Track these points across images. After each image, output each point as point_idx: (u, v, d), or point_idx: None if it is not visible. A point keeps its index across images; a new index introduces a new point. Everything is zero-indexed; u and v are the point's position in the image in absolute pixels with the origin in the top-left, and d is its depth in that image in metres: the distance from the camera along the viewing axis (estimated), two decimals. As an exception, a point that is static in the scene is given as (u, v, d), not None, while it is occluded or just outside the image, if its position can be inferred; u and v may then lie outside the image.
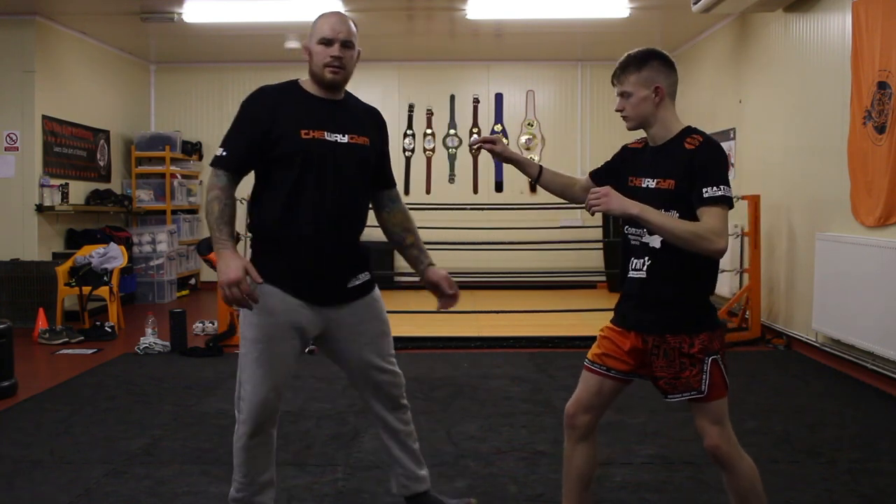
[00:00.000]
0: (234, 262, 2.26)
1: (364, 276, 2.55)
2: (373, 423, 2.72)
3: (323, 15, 2.45)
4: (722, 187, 2.14)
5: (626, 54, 2.32)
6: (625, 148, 2.47)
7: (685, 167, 2.20)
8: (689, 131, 2.28)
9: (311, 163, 2.38)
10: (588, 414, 2.37)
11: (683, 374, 2.22)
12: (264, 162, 2.42)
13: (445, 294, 2.64)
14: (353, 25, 2.47)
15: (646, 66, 2.27)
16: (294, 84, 2.51)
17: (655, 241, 2.24)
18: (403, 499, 2.76)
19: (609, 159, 2.52)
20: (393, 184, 2.71)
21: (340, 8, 7.04)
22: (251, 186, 2.54)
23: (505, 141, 9.65)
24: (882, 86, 4.73)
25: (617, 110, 2.35)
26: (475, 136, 2.43)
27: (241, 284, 2.24)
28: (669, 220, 2.15)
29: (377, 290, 2.63)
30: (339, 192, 2.42)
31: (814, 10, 5.76)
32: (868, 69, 4.89)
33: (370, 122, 2.59)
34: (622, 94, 2.30)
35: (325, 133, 2.42)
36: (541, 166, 2.55)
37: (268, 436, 2.50)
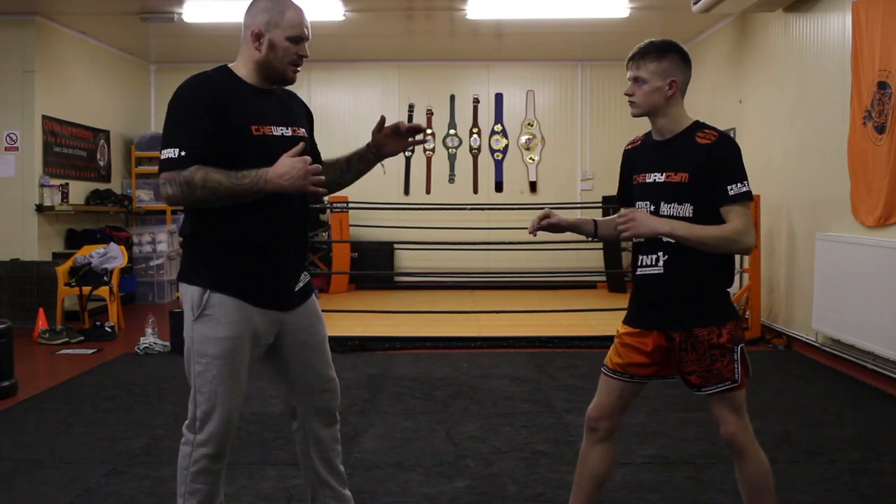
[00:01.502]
0: (282, 162, 2.08)
1: (305, 277, 2.41)
2: (301, 441, 2.48)
3: (289, 5, 2.24)
4: (745, 183, 2.17)
5: (647, 41, 2.29)
6: (625, 152, 2.48)
7: (700, 161, 2.19)
8: (700, 126, 2.27)
9: (262, 162, 2.13)
10: (609, 419, 2.37)
11: (715, 366, 2.22)
12: (214, 157, 2.14)
13: (399, 129, 2.40)
14: None
15: (666, 57, 2.26)
16: (226, 70, 2.29)
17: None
18: None
19: (620, 175, 2.49)
20: (321, 160, 2.49)
21: (340, 8, 7.05)
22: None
23: (505, 141, 9.69)
24: (882, 86, 4.73)
25: (626, 94, 2.31)
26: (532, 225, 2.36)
27: (303, 159, 2.09)
28: (698, 230, 2.17)
29: (315, 292, 2.50)
30: (289, 197, 2.22)
31: (814, 10, 5.76)
32: (868, 69, 4.89)
33: (297, 108, 2.41)
34: (635, 80, 2.27)
35: (273, 128, 2.24)
36: (595, 220, 2.50)
37: (226, 457, 2.31)
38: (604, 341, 5.92)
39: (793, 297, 6.04)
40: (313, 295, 2.46)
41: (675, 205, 2.22)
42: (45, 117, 7.30)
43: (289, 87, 2.41)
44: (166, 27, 7.65)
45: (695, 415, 4.11)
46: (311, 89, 9.65)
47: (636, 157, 2.40)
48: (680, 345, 2.25)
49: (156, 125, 9.75)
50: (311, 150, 2.43)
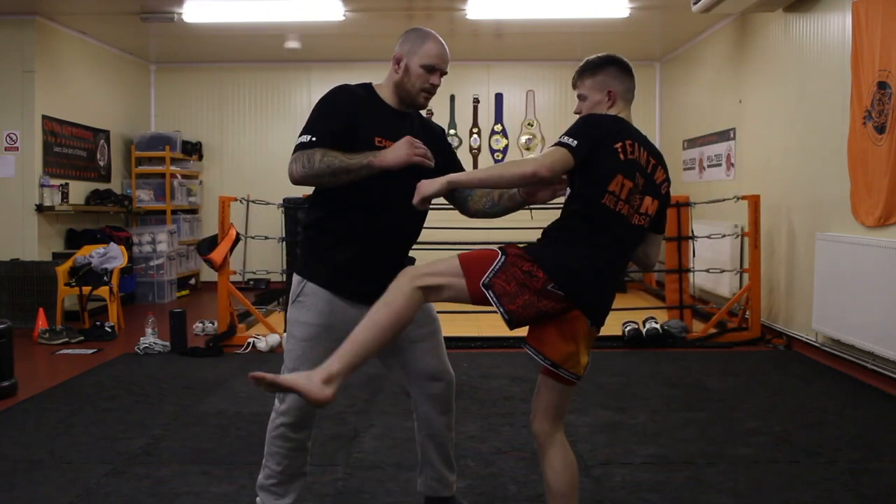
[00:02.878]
0: (399, 144, 2.27)
1: None
2: (417, 426, 2.70)
3: (431, 37, 2.47)
4: (565, 137, 2.18)
5: (585, 59, 2.41)
6: None
7: None
8: None
9: (381, 175, 2.34)
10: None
11: None
12: None
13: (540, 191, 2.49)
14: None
15: (601, 71, 2.35)
16: (370, 88, 2.53)
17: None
18: (424, 498, 2.75)
19: None
20: None
21: (340, 8, 7.05)
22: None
23: (505, 141, 9.70)
24: (882, 86, 4.73)
25: (575, 112, 2.40)
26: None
27: (413, 142, 2.26)
28: (483, 168, 2.26)
29: None
30: (399, 204, 2.40)
31: (814, 10, 5.76)
32: (868, 69, 4.89)
33: (434, 138, 2.59)
34: (580, 97, 2.39)
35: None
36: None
37: (310, 430, 2.56)
38: (603, 341, 5.93)
39: (793, 297, 6.04)
40: None
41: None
42: (45, 117, 7.30)
43: (424, 117, 2.67)
44: (166, 27, 7.65)
45: (695, 415, 4.11)
46: (311, 89, 9.66)
47: None
48: None
49: (155, 125, 9.76)
50: (442, 170, 2.51)
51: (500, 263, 2.11)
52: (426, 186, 2.23)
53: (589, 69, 2.38)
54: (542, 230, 2.27)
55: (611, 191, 2.17)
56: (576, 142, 2.15)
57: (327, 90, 2.50)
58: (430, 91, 2.48)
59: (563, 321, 2.14)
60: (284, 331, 2.61)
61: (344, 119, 2.40)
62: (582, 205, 2.20)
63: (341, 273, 2.46)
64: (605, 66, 2.36)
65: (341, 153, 2.30)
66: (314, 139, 2.36)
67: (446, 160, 2.60)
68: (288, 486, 2.55)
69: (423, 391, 2.62)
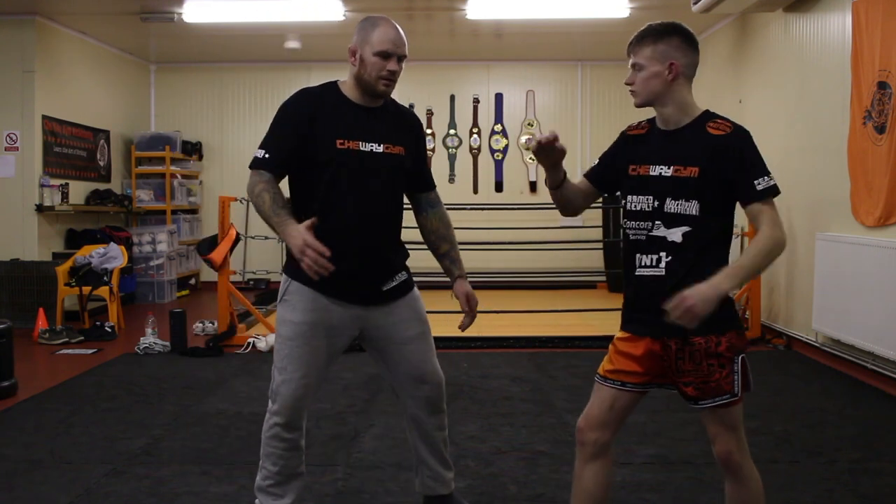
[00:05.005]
0: (295, 231, 2.26)
1: (400, 277, 2.56)
2: (408, 429, 2.70)
3: (381, 23, 2.42)
4: (770, 177, 2.05)
5: (647, 24, 2.16)
6: (624, 134, 2.27)
7: (712, 154, 2.04)
8: (711, 115, 2.12)
9: (343, 172, 2.40)
10: (599, 431, 2.17)
11: (713, 378, 2.04)
12: (299, 165, 2.45)
13: (464, 310, 2.61)
14: (404, 36, 2.48)
15: (663, 40, 2.10)
16: (333, 87, 2.50)
17: (675, 235, 2.06)
18: (423, 497, 2.76)
19: (606, 151, 2.32)
20: (431, 186, 2.69)
21: (340, 8, 7.05)
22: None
23: (505, 141, 9.67)
24: (882, 86, 4.73)
25: (626, 83, 2.16)
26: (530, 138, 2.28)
27: (313, 245, 2.21)
28: (749, 263, 2.02)
29: (416, 290, 2.62)
30: (369, 200, 2.44)
31: (814, 10, 5.76)
32: (868, 69, 4.89)
33: (406, 128, 2.59)
34: (634, 66, 2.13)
35: (360, 143, 2.43)
36: (565, 175, 2.27)
37: (301, 430, 2.55)
38: (604, 341, 5.89)
39: (793, 297, 6.04)
40: (411, 293, 2.59)
41: (683, 201, 2.05)
42: (45, 117, 7.30)
43: (402, 106, 2.63)
44: (166, 27, 7.65)
45: (695, 415, 4.09)
46: (311, 89, 9.65)
47: (638, 146, 2.19)
48: (676, 353, 2.07)
49: (155, 125, 9.75)
50: (414, 166, 2.58)
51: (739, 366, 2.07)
52: (700, 307, 1.89)
53: (650, 35, 2.11)
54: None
55: None
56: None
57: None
58: (389, 78, 2.42)
59: None
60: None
61: (300, 128, 2.40)
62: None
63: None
64: (669, 34, 2.11)
65: (272, 199, 2.33)
66: (266, 155, 2.40)
67: (416, 157, 2.59)
68: (286, 487, 2.55)
69: (411, 393, 2.61)
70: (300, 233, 2.24)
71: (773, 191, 2.05)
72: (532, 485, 3.19)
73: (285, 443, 2.51)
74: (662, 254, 2.08)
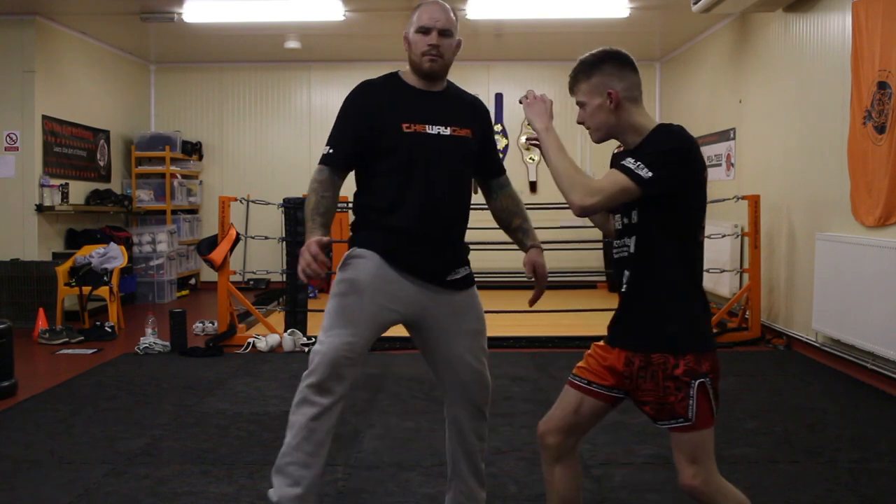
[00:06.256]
0: (314, 237, 2.30)
1: (463, 271, 2.53)
2: (447, 428, 2.58)
3: (423, 4, 2.46)
4: (637, 163, 1.94)
5: (578, 60, 2.12)
6: (613, 155, 2.25)
7: None
8: (662, 126, 2.06)
9: (413, 156, 2.39)
10: (560, 435, 2.13)
11: (668, 400, 1.99)
12: (367, 154, 2.44)
13: (529, 278, 2.57)
14: (452, 14, 2.46)
15: (596, 72, 2.07)
16: (395, 76, 2.52)
17: (630, 244, 2.08)
18: None
19: None
20: (501, 171, 2.68)
21: (340, 8, 7.05)
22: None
23: (505, 141, 9.67)
24: (882, 86, 4.73)
25: (578, 122, 2.16)
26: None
27: (311, 248, 2.25)
28: (561, 155, 2.02)
29: (475, 288, 2.58)
30: (440, 184, 2.42)
31: (814, 10, 5.76)
32: (868, 69, 4.89)
33: (472, 112, 2.56)
34: (579, 104, 2.12)
35: (427, 126, 2.42)
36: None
37: (334, 399, 2.33)
38: (604, 341, 5.93)
39: (793, 297, 6.04)
40: (472, 288, 2.56)
41: (627, 213, 2.07)
42: (45, 117, 7.30)
43: (468, 93, 2.61)
44: (166, 27, 7.65)
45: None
46: (311, 89, 9.65)
47: (615, 162, 2.17)
48: (638, 370, 2.04)
49: (155, 125, 9.76)
50: (481, 149, 2.57)
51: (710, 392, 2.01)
52: (534, 114, 2.15)
53: (583, 70, 2.09)
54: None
55: None
56: None
57: (333, 90, 2.55)
58: (432, 53, 2.41)
59: None
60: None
61: (363, 119, 2.42)
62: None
63: (392, 239, 2.41)
64: (599, 64, 2.07)
65: (316, 203, 2.39)
66: (331, 151, 2.44)
67: (483, 141, 2.58)
68: (302, 473, 2.32)
69: (457, 392, 2.52)
70: (313, 241, 2.28)
71: (631, 173, 1.94)
72: (532, 485, 3.19)
73: (314, 408, 2.30)
74: (626, 271, 2.10)
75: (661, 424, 2.05)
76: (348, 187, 2.47)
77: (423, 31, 2.42)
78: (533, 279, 2.56)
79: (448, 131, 2.44)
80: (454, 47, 2.48)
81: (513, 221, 2.65)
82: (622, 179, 1.94)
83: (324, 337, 2.36)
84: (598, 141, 2.18)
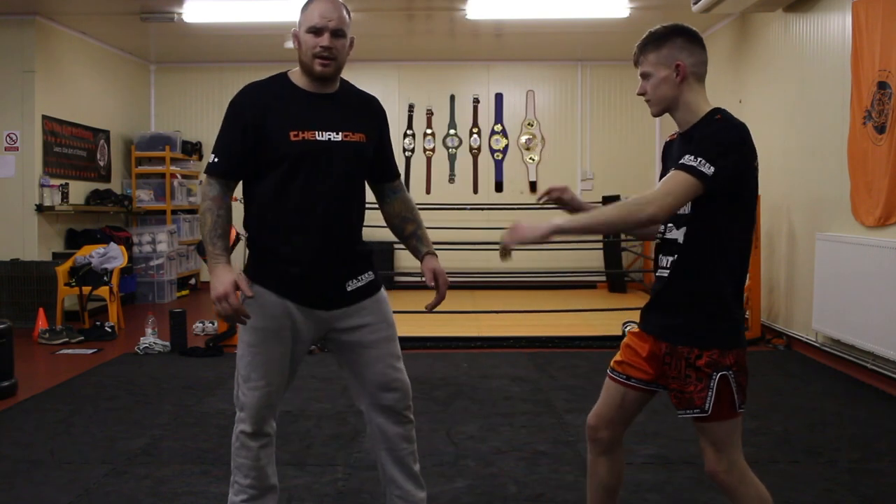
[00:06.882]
0: (224, 277, 2.18)
1: (367, 277, 2.42)
2: (372, 441, 2.52)
3: (314, 1, 2.28)
4: (702, 161, 1.92)
5: (648, 32, 2.13)
6: (664, 144, 2.26)
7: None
8: (715, 112, 2.05)
9: (301, 165, 2.24)
10: (609, 428, 2.19)
11: (688, 389, 2.02)
12: (255, 163, 2.30)
13: (429, 286, 2.47)
14: (345, 12, 2.29)
15: (666, 44, 2.07)
16: (283, 77, 2.36)
17: (678, 235, 2.05)
18: None
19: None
20: (395, 175, 2.53)
21: (340, 8, 7.04)
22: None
23: (505, 141, 9.67)
24: (882, 86, 4.73)
25: (639, 94, 2.14)
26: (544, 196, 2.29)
27: (230, 299, 2.16)
28: (593, 214, 2.01)
29: (383, 291, 2.48)
30: (331, 193, 2.29)
31: (814, 10, 5.76)
32: (868, 69, 4.89)
33: (366, 114, 2.40)
34: (643, 76, 2.10)
35: (316, 133, 2.27)
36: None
37: (269, 437, 2.41)
38: (604, 341, 5.94)
39: (793, 297, 6.04)
40: (378, 294, 2.45)
41: (696, 200, 2.01)
42: (45, 117, 7.30)
43: (363, 92, 2.46)
44: (166, 27, 7.65)
45: (695, 415, 4.11)
46: (311, 89, 9.65)
47: (670, 152, 2.19)
48: (664, 357, 2.09)
49: (155, 125, 9.76)
50: (377, 153, 2.43)
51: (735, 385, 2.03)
52: (528, 232, 1.96)
53: (652, 42, 2.08)
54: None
55: None
56: None
57: None
58: (323, 55, 2.24)
59: None
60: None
61: (250, 126, 2.25)
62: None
63: (284, 273, 2.31)
64: (670, 36, 2.07)
65: (213, 223, 2.25)
66: (216, 160, 2.28)
67: (379, 144, 2.43)
68: (260, 502, 2.40)
69: (375, 401, 2.43)
70: (229, 282, 2.16)
71: (694, 171, 1.91)
72: (532, 485, 3.19)
73: (253, 451, 2.37)
74: (670, 255, 2.09)
75: (679, 414, 2.09)
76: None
77: (314, 31, 2.24)
78: (433, 286, 2.47)
79: (340, 137, 2.29)
80: (348, 47, 2.31)
81: (406, 228, 2.53)
82: (687, 179, 1.92)
83: (245, 388, 2.36)
84: (657, 114, 2.17)
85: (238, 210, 2.34)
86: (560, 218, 1.99)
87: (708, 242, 2.04)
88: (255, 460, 2.38)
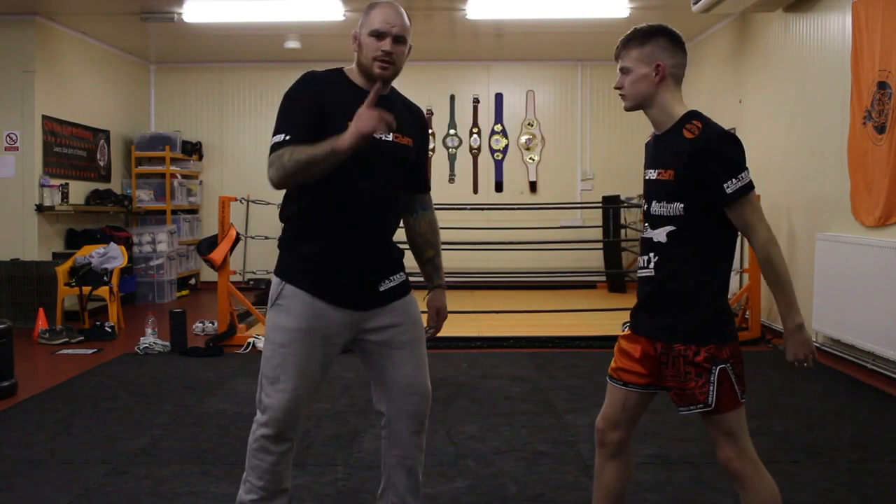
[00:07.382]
0: (358, 119, 2.08)
1: (399, 277, 2.41)
2: (385, 446, 2.49)
3: (376, 4, 2.31)
4: (742, 175, 2.00)
5: (632, 28, 2.17)
6: (645, 145, 2.30)
7: (685, 158, 2.03)
8: (690, 117, 2.09)
9: (354, 160, 2.17)
10: (617, 430, 2.21)
11: (689, 386, 2.06)
12: None
13: (430, 324, 2.55)
14: (407, 19, 2.33)
15: (650, 42, 2.12)
16: (340, 73, 2.38)
17: (660, 235, 2.10)
18: None
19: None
20: (427, 188, 2.55)
21: (340, 8, 7.05)
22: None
23: (505, 141, 9.70)
24: (882, 86, 4.73)
25: (616, 87, 2.19)
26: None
27: (384, 115, 2.09)
28: (782, 292, 2.12)
29: (412, 294, 2.47)
30: (377, 190, 2.30)
31: (814, 10, 5.76)
32: (868, 69, 4.89)
33: (414, 121, 2.46)
34: (622, 70, 2.14)
35: None
36: None
37: (291, 443, 2.37)
38: (604, 341, 5.93)
39: (793, 297, 6.03)
40: (409, 296, 2.45)
41: (665, 203, 2.08)
42: (45, 117, 7.30)
43: (409, 100, 2.51)
44: (166, 27, 7.65)
45: (695, 415, 4.11)
46: (311, 89, 9.65)
47: (647, 152, 2.25)
48: (660, 357, 2.12)
49: (155, 125, 9.76)
50: (415, 162, 2.46)
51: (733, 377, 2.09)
52: (806, 349, 2.21)
53: (636, 38, 2.13)
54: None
55: None
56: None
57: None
58: (384, 59, 2.26)
59: None
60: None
61: (313, 107, 2.25)
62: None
63: (320, 271, 2.29)
64: (654, 36, 2.13)
65: (308, 146, 2.14)
66: (287, 137, 2.21)
67: (420, 153, 2.46)
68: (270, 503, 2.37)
69: (398, 405, 2.40)
70: (363, 113, 2.07)
71: (745, 190, 2.00)
72: (532, 485, 3.19)
73: (273, 456, 2.34)
74: (651, 254, 2.13)
75: (682, 410, 2.12)
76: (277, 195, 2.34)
77: (377, 34, 2.27)
78: (433, 324, 2.56)
79: (391, 137, 2.30)
80: (406, 54, 2.35)
81: (426, 252, 2.54)
82: (752, 196, 2.04)
83: (271, 390, 2.31)
84: (629, 109, 2.21)
85: (260, 210, 2.31)
86: (792, 318, 2.15)
87: (695, 239, 2.08)
88: (273, 465, 2.35)
